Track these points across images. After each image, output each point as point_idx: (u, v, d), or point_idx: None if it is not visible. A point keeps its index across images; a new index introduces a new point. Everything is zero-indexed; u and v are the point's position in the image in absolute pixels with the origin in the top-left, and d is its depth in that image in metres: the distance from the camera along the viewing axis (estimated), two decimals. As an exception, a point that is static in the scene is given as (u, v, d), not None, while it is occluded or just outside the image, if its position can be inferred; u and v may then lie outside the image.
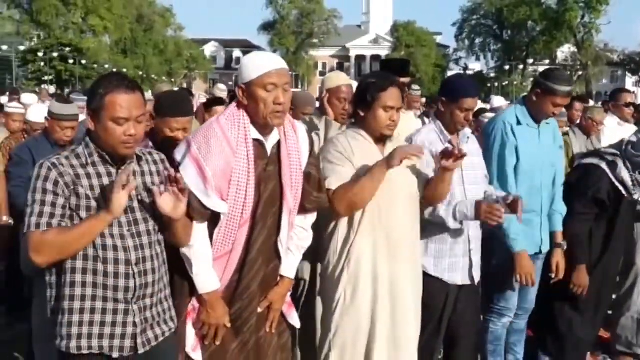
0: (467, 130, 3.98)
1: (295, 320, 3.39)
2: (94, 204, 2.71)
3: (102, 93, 2.69)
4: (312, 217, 3.35)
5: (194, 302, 3.10)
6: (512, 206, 3.64)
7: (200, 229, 3.01)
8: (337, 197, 3.37)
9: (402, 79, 4.45)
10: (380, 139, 3.49)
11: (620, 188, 4.48)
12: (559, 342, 4.76)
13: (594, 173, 4.51)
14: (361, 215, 3.43)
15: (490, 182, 4.09)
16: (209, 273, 3.04)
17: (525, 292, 4.40)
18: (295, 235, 3.28)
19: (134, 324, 2.80)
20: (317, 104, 4.80)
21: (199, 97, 8.18)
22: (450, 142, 3.84)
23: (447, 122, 3.86)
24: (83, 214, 2.70)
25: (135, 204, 2.81)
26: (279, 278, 3.25)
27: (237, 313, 3.12)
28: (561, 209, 4.40)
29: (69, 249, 2.67)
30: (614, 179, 4.47)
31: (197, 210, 2.97)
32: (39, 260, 2.67)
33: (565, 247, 4.43)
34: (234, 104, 3.10)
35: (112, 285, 2.74)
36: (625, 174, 4.46)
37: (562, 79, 4.11)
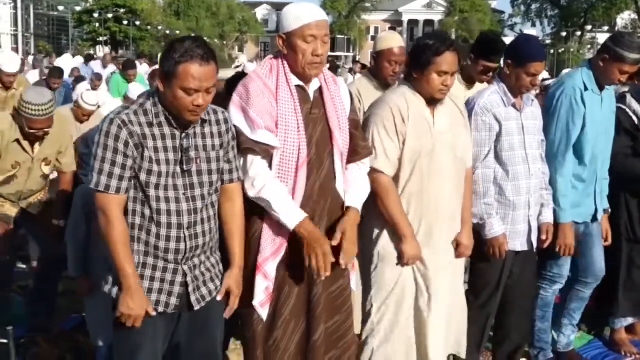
0: (531, 93, 3.90)
1: (354, 283, 3.41)
2: (155, 167, 2.74)
3: (176, 60, 2.64)
4: (365, 167, 3.35)
5: (262, 257, 3.11)
6: None
7: (264, 167, 3.04)
8: (376, 184, 3.37)
9: (490, 64, 4.34)
10: (431, 101, 3.45)
11: (634, 118, 4.43)
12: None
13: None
14: (406, 180, 3.43)
15: (549, 149, 4.02)
16: (292, 205, 3.04)
17: (593, 260, 4.30)
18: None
19: (183, 284, 2.86)
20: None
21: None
22: (514, 105, 3.78)
23: (511, 85, 3.78)
24: (143, 176, 2.74)
25: (194, 168, 2.83)
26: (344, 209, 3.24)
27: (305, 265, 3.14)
28: (607, 175, 4.32)
29: (107, 243, 2.75)
30: (627, 109, 4.43)
31: (258, 146, 3.01)
32: (100, 220, 2.77)
33: (609, 212, 4.38)
34: (269, 57, 3.19)
35: (163, 247, 2.81)
36: (635, 105, 4.43)
37: (632, 45, 3.94)
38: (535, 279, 4.20)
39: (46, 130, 4.27)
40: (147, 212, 2.78)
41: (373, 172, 3.37)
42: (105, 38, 57.58)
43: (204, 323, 2.98)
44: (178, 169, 2.79)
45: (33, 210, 4.64)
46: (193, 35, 2.83)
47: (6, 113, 4.53)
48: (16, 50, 60.98)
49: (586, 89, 4.03)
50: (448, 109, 3.52)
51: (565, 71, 10.92)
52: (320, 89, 3.19)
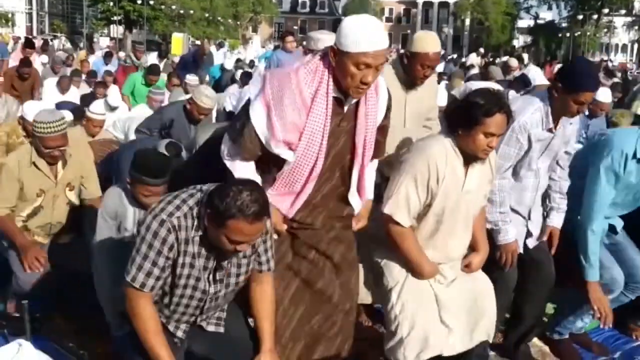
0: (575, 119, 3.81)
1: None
2: (186, 271, 2.78)
3: (228, 214, 2.54)
4: (375, 162, 3.36)
5: None
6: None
7: (246, 166, 3.07)
8: (393, 232, 3.33)
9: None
10: (470, 159, 3.30)
11: None
12: None
13: None
14: (424, 230, 3.38)
15: (586, 196, 3.91)
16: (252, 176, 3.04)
17: (633, 264, 4.18)
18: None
19: (185, 330, 3.01)
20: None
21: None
22: (550, 130, 3.70)
23: (556, 107, 3.66)
24: (174, 277, 2.78)
25: (224, 279, 2.88)
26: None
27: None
28: None
29: (138, 332, 2.78)
30: None
31: (249, 151, 3.01)
32: (129, 310, 2.80)
33: None
34: (318, 56, 3.00)
35: (170, 324, 2.94)
36: None
37: None
38: (553, 268, 4.06)
39: (62, 148, 4.26)
40: (166, 299, 2.85)
41: (390, 221, 3.30)
42: (119, 17, 57.37)
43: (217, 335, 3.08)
44: (211, 276, 2.83)
45: (63, 241, 4.63)
46: (250, 181, 2.75)
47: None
48: (30, 29, 61.11)
49: (635, 156, 3.82)
50: (481, 167, 3.38)
51: (532, 69, 10.94)
52: (357, 101, 3.05)
